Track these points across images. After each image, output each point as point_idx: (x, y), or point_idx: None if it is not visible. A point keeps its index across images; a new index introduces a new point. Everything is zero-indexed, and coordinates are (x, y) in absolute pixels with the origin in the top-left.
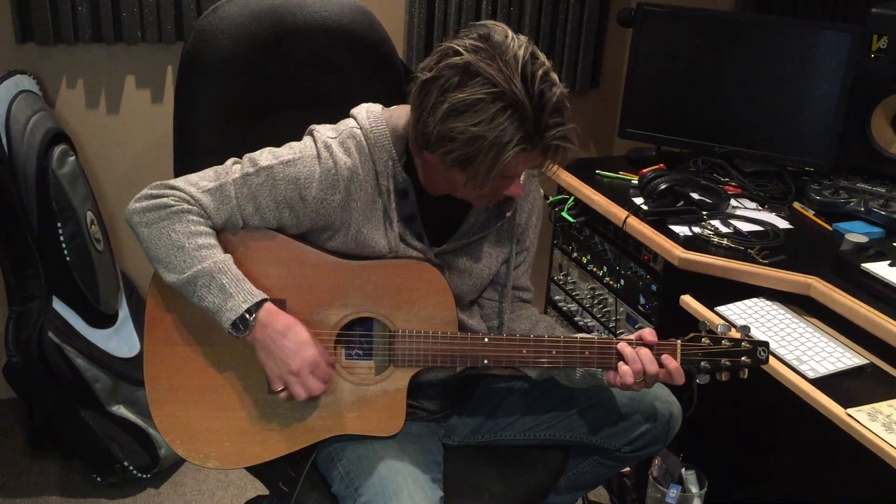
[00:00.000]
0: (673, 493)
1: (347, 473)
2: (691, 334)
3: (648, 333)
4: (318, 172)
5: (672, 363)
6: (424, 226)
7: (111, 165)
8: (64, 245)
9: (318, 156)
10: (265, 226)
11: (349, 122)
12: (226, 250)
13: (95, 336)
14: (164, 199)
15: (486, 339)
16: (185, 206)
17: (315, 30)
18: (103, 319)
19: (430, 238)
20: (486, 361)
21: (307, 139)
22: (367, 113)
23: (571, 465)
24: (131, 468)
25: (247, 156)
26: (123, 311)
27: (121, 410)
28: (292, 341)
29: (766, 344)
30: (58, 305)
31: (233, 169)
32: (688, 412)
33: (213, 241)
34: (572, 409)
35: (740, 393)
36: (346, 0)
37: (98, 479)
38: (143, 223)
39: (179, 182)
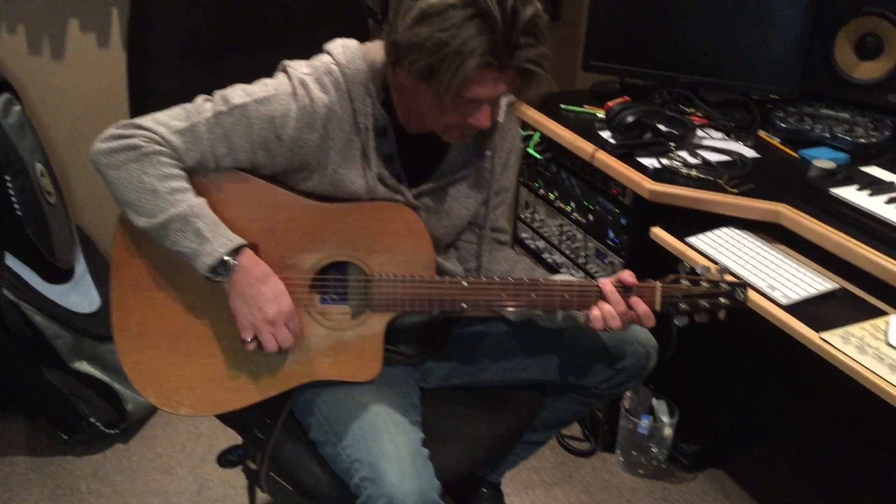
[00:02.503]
0: (644, 423)
1: (326, 419)
2: (671, 276)
3: (628, 276)
4: (294, 111)
5: (641, 306)
6: (403, 166)
7: (59, 114)
8: (14, 199)
9: (294, 93)
10: (238, 166)
11: (324, 58)
12: (197, 193)
13: (53, 292)
14: (133, 140)
15: (465, 283)
16: (156, 147)
17: None
18: (60, 274)
19: (409, 179)
20: (464, 305)
21: (281, 76)
22: (344, 48)
23: (548, 404)
24: (98, 424)
25: (218, 93)
26: (81, 266)
27: (84, 367)
28: (271, 288)
29: (744, 285)
30: (11, 262)
31: (204, 107)
32: (666, 353)
33: (185, 184)
34: (549, 350)
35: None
36: None
37: (64, 437)
38: (110, 165)
39: (148, 121)
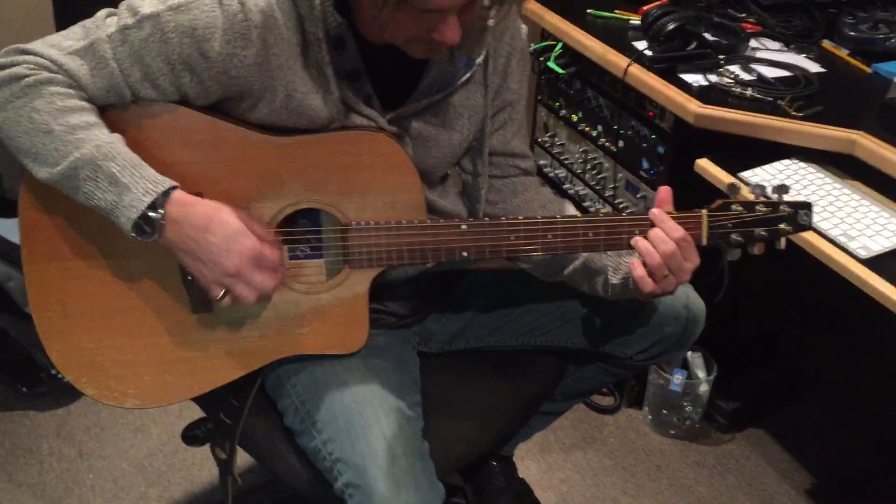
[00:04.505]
0: (678, 378)
1: (303, 403)
2: (719, 201)
3: (664, 193)
4: (220, 19)
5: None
6: (373, 85)
7: None
8: None
9: None
10: (163, 97)
11: None
12: (114, 133)
13: (2, 227)
14: (16, 70)
15: (464, 226)
16: (45, 74)
17: None
18: (8, 207)
19: (382, 100)
20: (465, 254)
21: None
22: None
23: (570, 372)
24: (59, 375)
25: (124, 2)
26: None
27: None
28: (219, 234)
29: (808, 205)
30: None
31: (106, 22)
32: (716, 298)
33: (91, 117)
34: (576, 310)
35: (752, 265)
36: None
37: (24, 389)
38: None
39: (36, 45)
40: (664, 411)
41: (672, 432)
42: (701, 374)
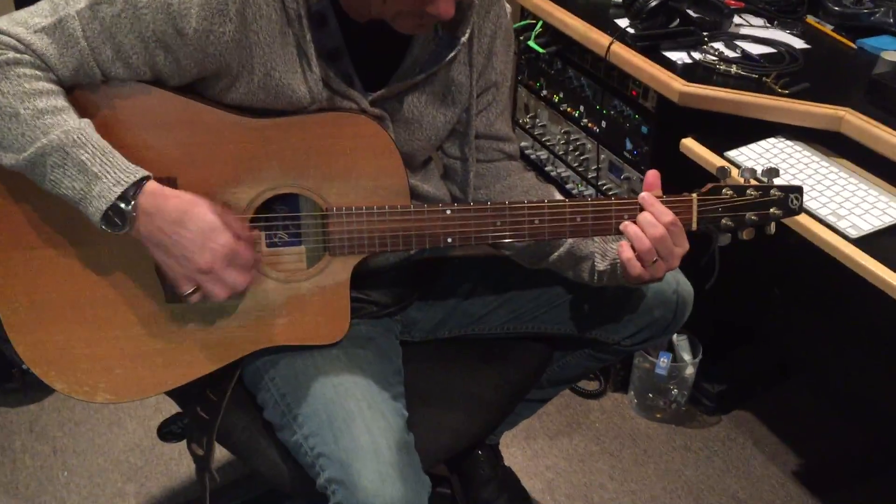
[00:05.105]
0: (663, 362)
1: (283, 397)
2: (709, 186)
3: (652, 177)
4: None
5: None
6: (354, 64)
7: None
8: None
9: None
10: (134, 77)
11: None
12: (83, 115)
13: None
14: None
15: (449, 211)
16: (13, 55)
17: None
18: None
19: (364, 81)
20: (449, 240)
21: None
22: None
23: (557, 358)
24: (31, 371)
25: None
26: None
27: None
28: (193, 229)
29: (799, 189)
30: None
31: None
32: (708, 284)
33: (60, 101)
34: (562, 296)
35: (734, 245)
36: None
37: None
38: None
39: (1, 23)
40: (650, 395)
41: (658, 416)
42: (686, 356)
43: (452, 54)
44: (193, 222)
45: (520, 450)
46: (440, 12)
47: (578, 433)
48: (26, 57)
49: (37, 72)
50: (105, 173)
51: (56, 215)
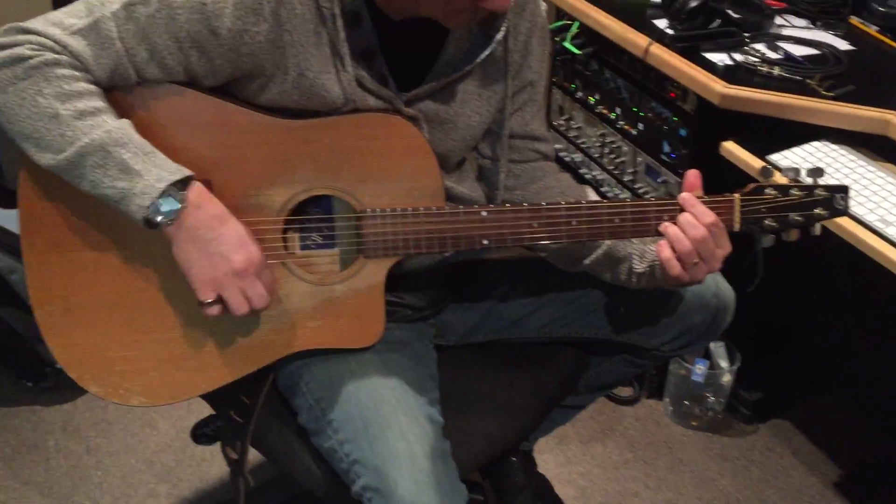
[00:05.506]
0: (700, 369)
1: (317, 402)
2: (751, 185)
3: (693, 177)
4: None
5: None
6: (388, 64)
7: None
8: None
9: None
10: (169, 77)
11: None
12: (118, 115)
13: (3, 218)
14: (18, 50)
15: (485, 213)
16: (51, 56)
17: None
18: (10, 197)
19: (398, 81)
20: (485, 242)
21: None
22: None
23: (593, 364)
24: (66, 371)
25: None
26: None
27: None
28: (234, 229)
29: (844, 189)
30: None
31: None
32: (751, 287)
33: (99, 102)
34: (598, 300)
35: (773, 249)
36: None
37: (29, 384)
38: None
39: (37, 24)
40: (686, 402)
41: (694, 424)
42: (724, 363)
43: (487, 52)
44: (233, 225)
45: (552, 456)
46: (497, 6)
47: (612, 440)
48: (64, 58)
49: (75, 73)
50: (148, 171)
51: (92, 217)
